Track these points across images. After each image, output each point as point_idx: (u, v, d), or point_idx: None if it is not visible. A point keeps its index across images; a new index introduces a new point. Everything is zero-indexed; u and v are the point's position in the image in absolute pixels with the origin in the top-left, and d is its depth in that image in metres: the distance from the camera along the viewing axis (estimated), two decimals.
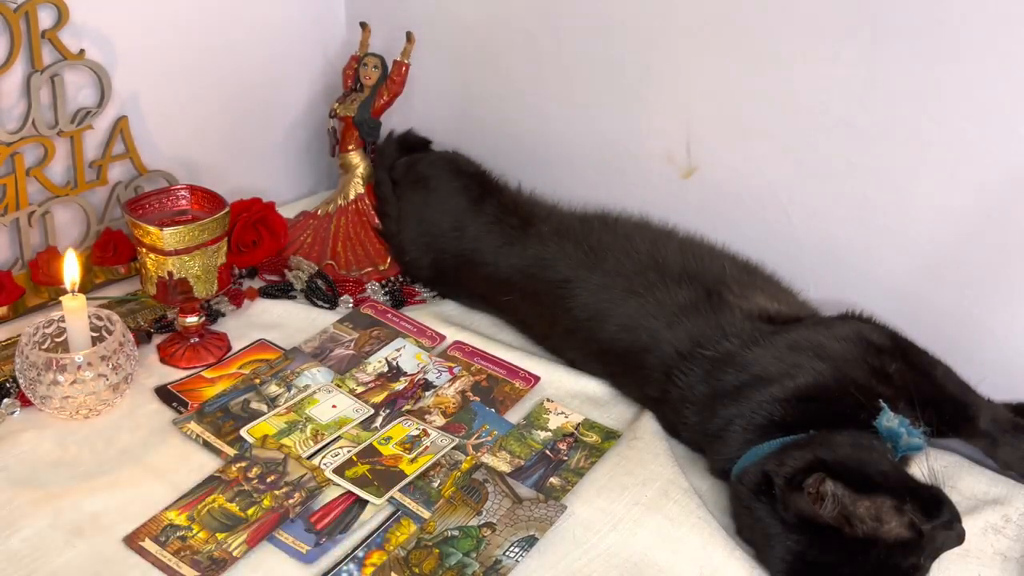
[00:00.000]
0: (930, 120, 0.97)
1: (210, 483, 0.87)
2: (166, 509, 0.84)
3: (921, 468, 0.84)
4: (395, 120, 1.33)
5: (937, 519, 0.77)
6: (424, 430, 0.95)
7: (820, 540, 0.77)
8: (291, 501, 0.85)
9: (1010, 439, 0.91)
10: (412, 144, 1.33)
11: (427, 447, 0.92)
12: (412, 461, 0.91)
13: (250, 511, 0.84)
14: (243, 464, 0.89)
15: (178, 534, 0.81)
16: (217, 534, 0.81)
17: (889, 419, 0.83)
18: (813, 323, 0.96)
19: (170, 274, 0.99)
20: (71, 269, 0.95)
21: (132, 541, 0.80)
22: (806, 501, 0.76)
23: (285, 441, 0.92)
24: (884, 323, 0.97)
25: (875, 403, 0.84)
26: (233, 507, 0.84)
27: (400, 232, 1.22)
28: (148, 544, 0.80)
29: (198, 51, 1.23)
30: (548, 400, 1.01)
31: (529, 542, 0.82)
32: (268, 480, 0.87)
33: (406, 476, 0.89)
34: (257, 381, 1.01)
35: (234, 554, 0.79)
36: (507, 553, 0.81)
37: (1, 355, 1.00)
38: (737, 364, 0.91)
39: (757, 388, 0.89)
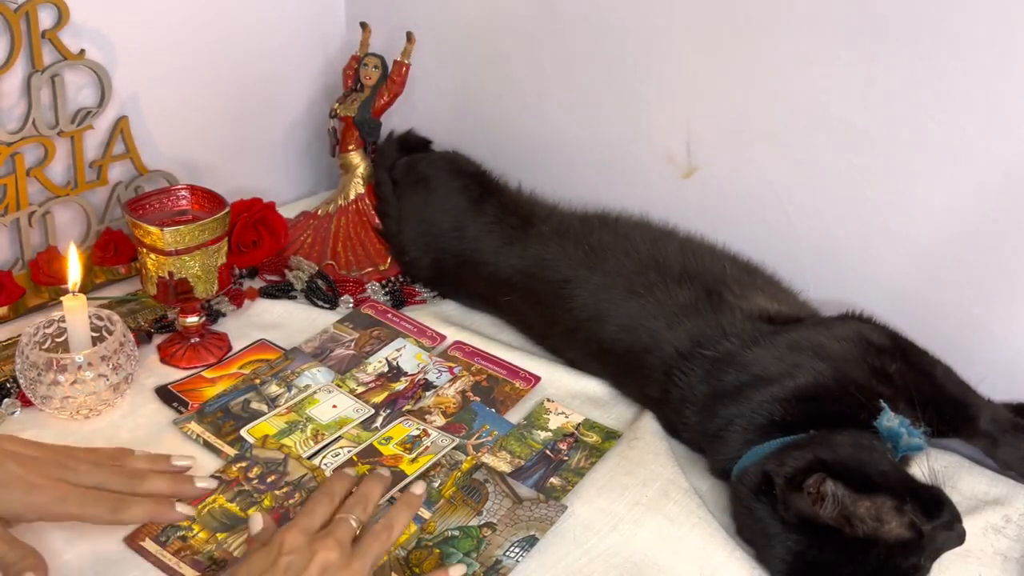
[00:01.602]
0: (930, 120, 0.97)
1: None
2: None
3: (921, 468, 0.84)
4: (395, 120, 1.33)
5: (938, 519, 0.77)
6: (424, 430, 0.95)
7: (820, 540, 0.77)
8: (291, 501, 0.85)
9: (1010, 439, 0.91)
10: (412, 144, 1.33)
11: (427, 447, 0.93)
12: (412, 461, 0.91)
13: (251, 511, 0.84)
14: (243, 464, 0.89)
15: (178, 534, 0.81)
16: (217, 534, 0.81)
17: (889, 419, 0.83)
18: (813, 323, 0.96)
19: (170, 274, 0.99)
20: (74, 264, 0.95)
21: (132, 541, 0.80)
22: (806, 501, 0.76)
23: (285, 441, 0.92)
24: (884, 323, 0.97)
25: (875, 403, 0.84)
26: (233, 507, 0.84)
27: (400, 232, 1.22)
28: (148, 544, 0.80)
29: (198, 51, 1.23)
30: (548, 400, 1.01)
31: (529, 542, 0.82)
32: (268, 480, 0.87)
33: (407, 476, 0.89)
34: (257, 381, 1.01)
35: (235, 554, 0.79)
36: (507, 553, 0.81)
37: (1, 355, 1.00)
38: (737, 364, 0.91)
39: (757, 388, 0.89)
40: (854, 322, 0.97)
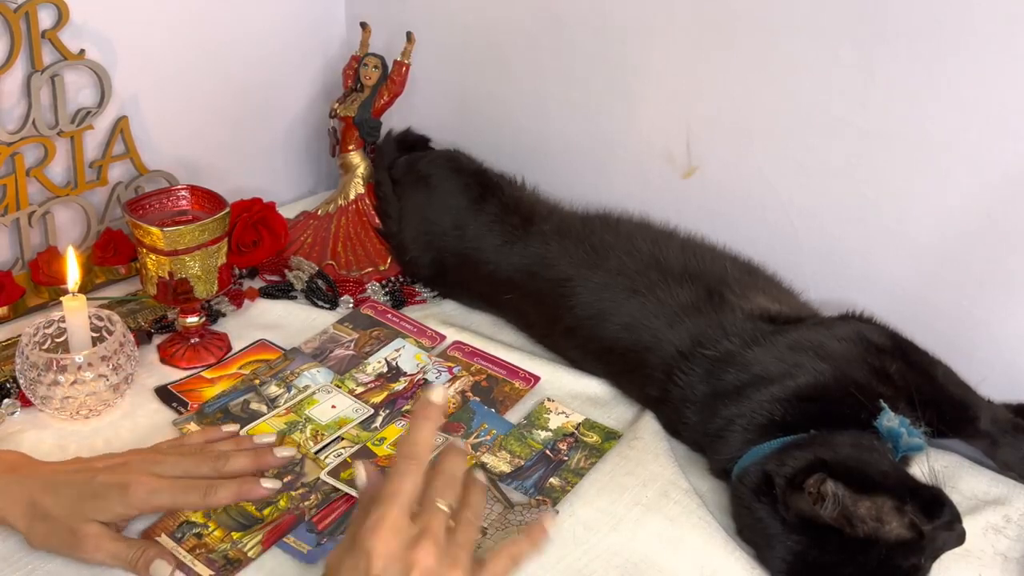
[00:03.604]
0: (930, 120, 0.96)
1: None
2: None
3: (921, 468, 0.84)
4: (395, 120, 1.33)
5: (938, 519, 0.77)
6: None
7: (821, 540, 0.77)
8: (307, 503, 0.85)
9: (1010, 440, 0.91)
10: (411, 142, 1.33)
11: None
12: None
13: (266, 511, 0.83)
14: None
15: (194, 531, 0.81)
16: (232, 533, 0.81)
17: (889, 419, 0.83)
18: (814, 323, 0.96)
19: (170, 274, 0.99)
20: (72, 266, 0.95)
21: (148, 536, 0.80)
22: (807, 501, 0.76)
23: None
24: (885, 323, 0.97)
25: (875, 403, 0.84)
26: (249, 506, 0.84)
27: (401, 231, 1.22)
28: (164, 539, 0.80)
29: (198, 51, 1.23)
30: (549, 399, 1.01)
31: None
32: (284, 480, 0.87)
33: None
34: (257, 382, 1.01)
35: (249, 555, 0.79)
36: None
37: (1, 355, 1.00)
38: (738, 364, 0.91)
39: (757, 388, 0.89)
40: (855, 322, 0.97)
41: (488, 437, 0.95)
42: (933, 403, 0.88)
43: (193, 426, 0.93)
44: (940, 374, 0.93)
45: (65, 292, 0.94)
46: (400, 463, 0.67)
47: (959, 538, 0.78)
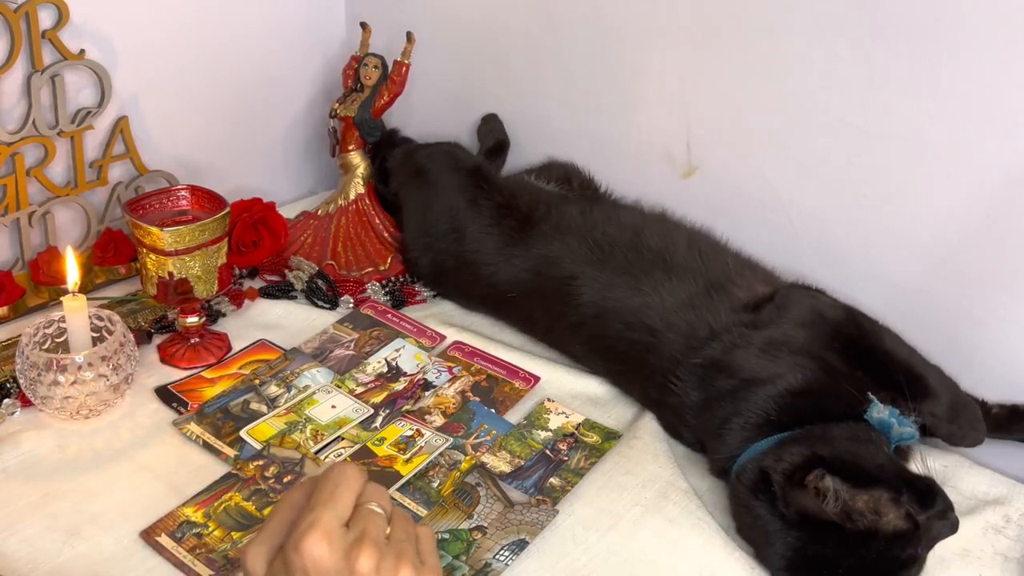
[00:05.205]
0: (930, 120, 0.96)
1: (228, 480, 0.87)
2: (183, 505, 0.84)
3: (916, 463, 0.84)
4: (395, 120, 1.33)
5: (932, 509, 0.77)
6: (418, 430, 0.95)
7: (820, 535, 0.77)
8: None
9: (963, 401, 0.91)
10: (396, 144, 1.33)
11: (421, 447, 0.92)
12: (407, 462, 0.90)
13: (266, 511, 0.83)
14: (261, 463, 0.89)
15: (194, 531, 0.81)
16: (232, 533, 0.81)
17: (879, 410, 0.84)
18: (776, 311, 0.95)
19: (170, 274, 0.99)
20: (71, 267, 0.95)
21: (148, 536, 0.80)
22: (810, 497, 0.76)
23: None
24: (831, 296, 1.00)
25: (864, 395, 0.85)
26: (249, 506, 0.84)
27: (403, 228, 1.22)
28: (164, 539, 0.80)
29: (198, 51, 1.23)
30: (549, 400, 1.01)
31: (520, 546, 0.82)
32: (285, 480, 0.87)
33: (402, 477, 0.89)
34: (257, 382, 1.01)
35: None
36: (497, 557, 0.80)
37: (1, 355, 1.00)
38: (724, 370, 0.92)
39: (748, 390, 0.89)
40: (806, 298, 0.97)
41: (488, 437, 0.95)
42: (882, 367, 0.89)
43: (193, 427, 0.93)
44: (888, 339, 0.94)
45: (65, 292, 0.94)
46: (334, 470, 0.60)
47: (953, 526, 0.78)
